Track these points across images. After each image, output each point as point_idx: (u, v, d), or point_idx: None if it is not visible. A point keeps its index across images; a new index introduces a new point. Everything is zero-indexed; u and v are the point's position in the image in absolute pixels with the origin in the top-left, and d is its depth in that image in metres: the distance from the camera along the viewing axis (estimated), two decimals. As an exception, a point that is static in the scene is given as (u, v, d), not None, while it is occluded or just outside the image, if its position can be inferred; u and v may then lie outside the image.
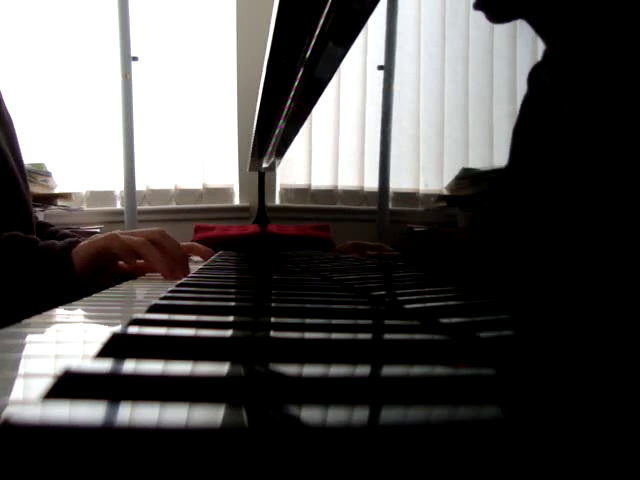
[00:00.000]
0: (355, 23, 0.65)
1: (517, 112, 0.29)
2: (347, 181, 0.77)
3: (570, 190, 0.22)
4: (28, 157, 2.06)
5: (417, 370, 0.23)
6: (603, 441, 0.14)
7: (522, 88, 0.29)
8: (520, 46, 0.29)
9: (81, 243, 0.76)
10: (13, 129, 1.02)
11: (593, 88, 0.21)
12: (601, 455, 0.14)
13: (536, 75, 0.25)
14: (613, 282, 0.21)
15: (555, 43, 0.23)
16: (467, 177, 0.36)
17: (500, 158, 0.32)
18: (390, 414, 0.17)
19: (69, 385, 0.18)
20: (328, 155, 0.91)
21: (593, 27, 0.20)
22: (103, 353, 0.25)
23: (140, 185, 2.25)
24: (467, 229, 0.36)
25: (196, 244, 1.27)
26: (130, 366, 0.21)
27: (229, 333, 0.28)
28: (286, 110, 1.06)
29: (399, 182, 0.52)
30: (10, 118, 1.03)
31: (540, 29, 0.24)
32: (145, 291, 0.63)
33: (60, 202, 2.12)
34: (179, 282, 0.57)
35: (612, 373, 0.20)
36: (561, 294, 0.24)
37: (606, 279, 0.21)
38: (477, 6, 0.31)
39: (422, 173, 0.45)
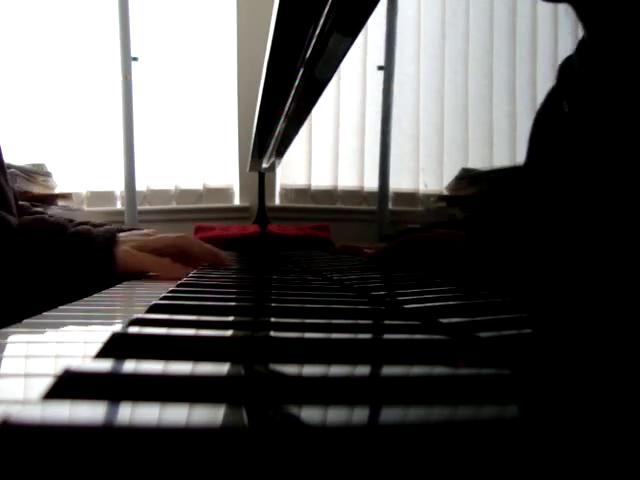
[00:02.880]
0: (355, 23, 0.65)
1: (517, 112, 0.29)
2: (347, 181, 0.77)
3: (595, 187, 0.22)
4: (28, 157, 2.07)
5: (417, 370, 0.23)
6: (603, 440, 0.14)
7: (522, 88, 0.29)
8: (520, 46, 0.29)
9: (126, 256, 0.74)
10: None
11: (633, 82, 0.20)
12: (602, 454, 0.14)
13: (567, 66, 0.25)
14: (616, 284, 0.21)
15: (599, 31, 0.23)
16: (467, 177, 0.36)
17: (500, 158, 0.32)
18: (390, 414, 0.17)
19: (69, 385, 0.18)
20: (328, 155, 0.91)
21: None
22: (103, 353, 0.25)
23: (140, 185, 2.25)
24: (467, 228, 0.36)
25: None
26: (130, 366, 0.21)
27: (229, 333, 0.28)
28: (286, 110, 1.06)
29: (399, 182, 0.52)
30: None
31: (585, 14, 0.23)
32: (145, 291, 0.63)
33: (60, 202, 2.12)
34: (179, 282, 0.57)
35: (612, 374, 0.20)
36: (562, 294, 0.24)
37: (610, 281, 0.21)
38: None
39: (422, 173, 0.45)
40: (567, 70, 0.24)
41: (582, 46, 0.24)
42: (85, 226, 0.76)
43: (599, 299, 0.21)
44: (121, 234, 0.80)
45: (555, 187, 0.25)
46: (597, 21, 0.23)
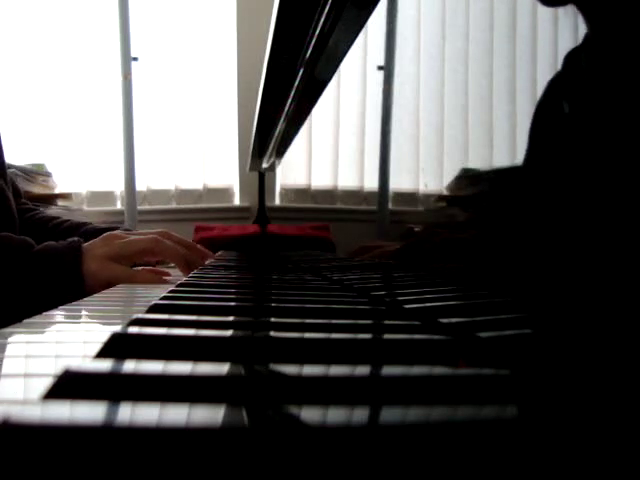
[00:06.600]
0: (355, 24, 0.65)
1: (517, 112, 0.29)
2: (347, 181, 0.77)
3: (595, 186, 0.22)
4: (28, 157, 2.07)
5: (417, 370, 0.23)
6: (603, 441, 0.14)
7: (522, 88, 0.29)
8: (520, 46, 0.29)
9: (88, 265, 0.70)
10: None
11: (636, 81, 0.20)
12: (601, 455, 0.14)
13: (573, 58, 0.24)
14: (615, 284, 0.21)
15: (603, 28, 0.23)
16: (467, 177, 0.36)
17: (500, 158, 0.32)
18: (390, 414, 0.17)
19: (69, 385, 0.18)
20: (328, 155, 0.91)
21: None
22: (103, 353, 0.25)
23: (140, 185, 2.25)
24: (467, 229, 0.36)
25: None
26: (130, 366, 0.21)
27: (229, 333, 0.28)
28: (286, 110, 1.06)
29: (399, 182, 0.52)
30: None
31: (590, 13, 0.24)
32: (145, 291, 0.63)
33: (60, 202, 2.13)
34: (179, 282, 0.57)
35: (612, 374, 0.20)
36: (562, 294, 0.24)
37: (608, 281, 0.21)
38: None
39: (422, 173, 0.45)
40: (573, 62, 0.24)
41: (588, 41, 0.23)
42: (51, 242, 0.72)
43: (599, 298, 0.21)
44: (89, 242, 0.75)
45: (556, 182, 0.25)
46: (601, 20, 0.23)
